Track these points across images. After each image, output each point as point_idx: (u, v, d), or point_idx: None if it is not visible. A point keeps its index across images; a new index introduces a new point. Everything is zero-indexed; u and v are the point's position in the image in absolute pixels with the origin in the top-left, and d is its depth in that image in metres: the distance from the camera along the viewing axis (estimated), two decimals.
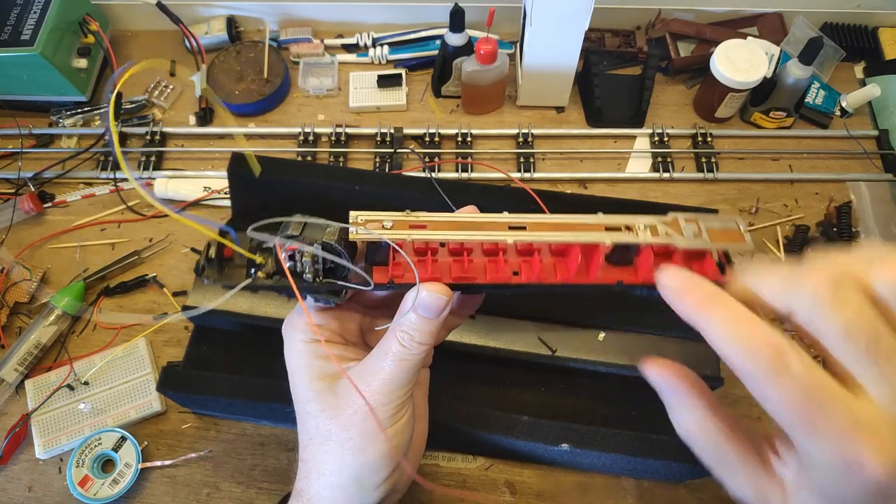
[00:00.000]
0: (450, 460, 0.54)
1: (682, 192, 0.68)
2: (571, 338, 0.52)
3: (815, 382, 0.23)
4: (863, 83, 0.75)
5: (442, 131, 0.71)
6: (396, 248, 0.31)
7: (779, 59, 0.71)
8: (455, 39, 0.68)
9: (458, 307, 0.38)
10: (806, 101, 0.71)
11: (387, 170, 0.69)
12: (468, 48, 0.69)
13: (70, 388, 0.56)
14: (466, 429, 0.48)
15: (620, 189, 0.69)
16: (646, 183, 0.69)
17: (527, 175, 0.68)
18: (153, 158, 0.70)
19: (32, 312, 0.61)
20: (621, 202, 0.61)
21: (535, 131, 0.71)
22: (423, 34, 0.77)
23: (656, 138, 0.70)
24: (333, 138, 0.71)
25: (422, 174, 0.66)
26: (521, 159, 0.69)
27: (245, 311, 0.52)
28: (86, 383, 0.57)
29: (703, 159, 0.69)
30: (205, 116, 0.73)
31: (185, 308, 0.54)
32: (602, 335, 0.53)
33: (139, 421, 0.56)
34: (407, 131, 0.71)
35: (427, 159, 0.69)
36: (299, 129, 0.71)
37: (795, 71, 0.65)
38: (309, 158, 0.70)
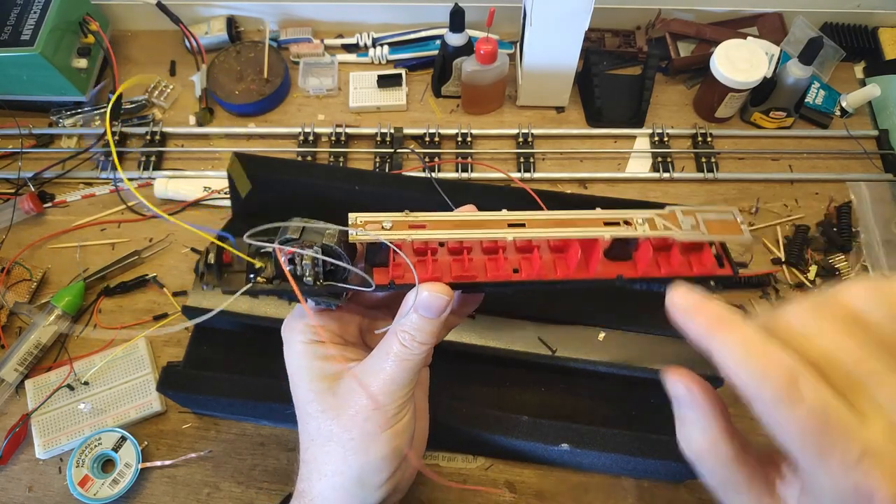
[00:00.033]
0: (450, 460, 0.54)
1: (682, 192, 0.68)
2: (571, 338, 0.52)
3: (826, 410, 0.22)
4: (863, 83, 0.75)
5: (442, 131, 0.71)
6: (396, 249, 0.31)
7: (779, 59, 0.71)
8: (455, 39, 0.68)
9: (459, 306, 0.38)
10: (806, 101, 0.71)
11: (387, 170, 0.69)
12: (468, 48, 0.69)
13: (70, 388, 0.56)
14: (466, 429, 0.48)
15: (620, 189, 0.69)
16: (646, 183, 0.69)
17: (527, 175, 0.68)
18: (153, 158, 0.70)
19: (32, 312, 0.62)
20: (621, 202, 0.61)
21: (535, 131, 0.71)
22: (423, 34, 0.77)
23: (656, 138, 0.70)
24: (333, 138, 0.71)
25: (422, 174, 0.66)
26: (521, 159, 0.69)
27: (245, 312, 0.52)
28: (86, 383, 0.57)
29: (703, 159, 0.69)
30: (205, 116, 0.73)
31: (185, 308, 0.54)
32: (602, 335, 0.53)
33: (139, 421, 0.56)
34: (407, 131, 0.71)
35: (427, 159, 0.69)
36: (299, 129, 0.71)
37: (795, 71, 0.65)
38: (309, 158, 0.70)
